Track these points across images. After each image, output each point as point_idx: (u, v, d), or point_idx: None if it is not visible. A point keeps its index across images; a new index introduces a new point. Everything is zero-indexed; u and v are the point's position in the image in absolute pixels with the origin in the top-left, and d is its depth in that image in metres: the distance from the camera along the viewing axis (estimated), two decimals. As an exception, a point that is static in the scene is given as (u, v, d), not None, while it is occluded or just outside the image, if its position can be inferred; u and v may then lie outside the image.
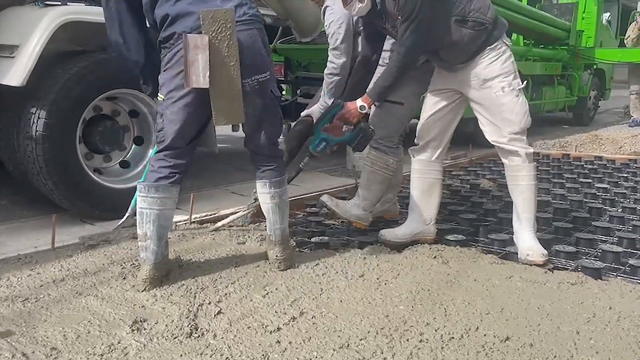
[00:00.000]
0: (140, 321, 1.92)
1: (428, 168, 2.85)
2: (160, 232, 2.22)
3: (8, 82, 3.08)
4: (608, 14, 10.44)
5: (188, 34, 2.03)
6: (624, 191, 4.10)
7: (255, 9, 2.25)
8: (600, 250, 2.77)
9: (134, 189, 3.55)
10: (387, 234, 2.87)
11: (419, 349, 1.80)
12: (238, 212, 3.10)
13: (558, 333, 1.92)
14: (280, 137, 2.48)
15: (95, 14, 3.36)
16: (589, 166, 5.13)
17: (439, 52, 2.66)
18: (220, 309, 2.04)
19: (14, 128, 3.26)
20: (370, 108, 2.70)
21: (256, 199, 3.03)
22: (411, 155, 2.91)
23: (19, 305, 2.03)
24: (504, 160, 2.73)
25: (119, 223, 2.98)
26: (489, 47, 2.60)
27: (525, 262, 2.59)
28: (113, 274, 2.32)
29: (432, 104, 2.81)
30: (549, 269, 2.52)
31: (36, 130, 3.13)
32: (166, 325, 1.89)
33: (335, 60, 3.44)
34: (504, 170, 2.81)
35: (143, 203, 2.20)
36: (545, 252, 2.64)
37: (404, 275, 2.36)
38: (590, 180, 4.46)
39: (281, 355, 1.76)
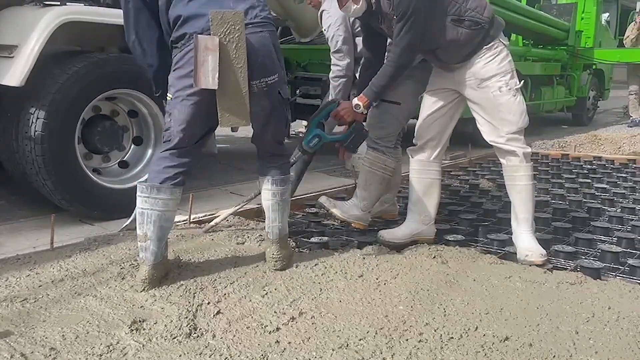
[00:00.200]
0: (139, 321, 1.91)
1: (426, 168, 2.85)
2: (160, 233, 2.22)
3: (7, 83, 3.07)
4: (607, 14, 10.44)
5: (199, 35, 2.04)
6: (623, 191, 4.10)
7: (268, 11, 2.27)
8: (600, 250, 2.77)
9: (133, 189, 3.59)
10: (386, 234, 2.87)
11: (418, 349, 1.80)
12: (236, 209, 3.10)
13: (557, 333, 1.92)
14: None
15: (94, 14, 3.38)
16: (588, 166, 5.13)
17: (435, 52, 2.66)
18: (219, 309, 2.04)
19: (13, 128, 3.26)
20: (365, 108, 2.70)
21: (255, 195, 3.04)
22: (409, 156, 2.91)
23: (17, 305, 2.02)
24: (501, 160, 2.73)
25: (125, 224, 2.97)
26: (485, 47, 2.60)
27: (524, 263, 2.59)
28: (112, 274, 2.31)
29: (430, 104, 2.81)
30: (548, 269, 2.52)
31: (35, 131, 3.13)
32: (165, 326, 1.89)
33: (339, 63, 3.45)
34: (502, 171, 2.81)
35: (144, 203, 2.19)
36: (544, 252, 2.64)
37: (403, 275, 2.36)
38: (589, 181, 4.46)
39: (280, 355, 1.76)
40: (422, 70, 2.86)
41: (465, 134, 5.10)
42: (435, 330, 1.91)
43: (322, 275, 2.36)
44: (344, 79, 3.41)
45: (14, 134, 3.26)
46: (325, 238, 2.93)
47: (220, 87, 2.07)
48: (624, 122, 9.73)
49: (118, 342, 1.80)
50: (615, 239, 3.00)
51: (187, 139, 2.21)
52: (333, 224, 3.22)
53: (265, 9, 2.25)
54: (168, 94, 2.22)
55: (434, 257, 2.57)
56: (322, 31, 3.61)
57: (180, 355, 1.74)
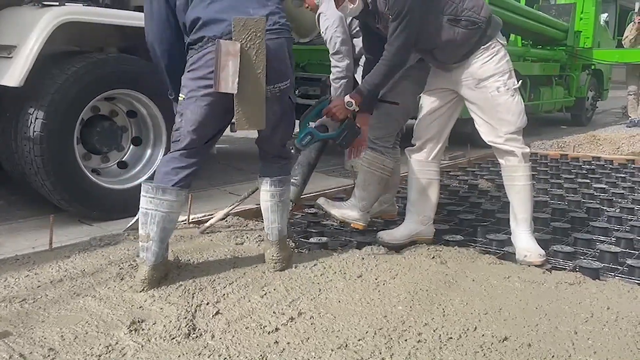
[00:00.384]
0: (138, 322, 1.91)
1: (425, 168, 2.85)
2: (163, 234, 2.22)
3: (6, 83, 3.07)
4: (606, 14, 10.45)
5: (221, 40, 2.07)
6: (622, 191, 4.11)
7: (285, 18, 2.30)
8: (598, 251, 2.77)
9: (132, 189, 3.60)
10: (385, 235, 2.86)
11: (417, 349, 1.80)
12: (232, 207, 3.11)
13: (556, 333, 1.92)
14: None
15: (93, 14, 3.37)
16: (587, 166, 5.14)
17: (432, 52, 2.66)
18: (218, 310, 2.04)
19: (11, 128, 3.25)
20: (357, 105, 2.69)
21: (249, 194, 3.05)
22: (408, 156, 2.90)
23: (16, 305, 2.02)
24: (500, 160, 2.74)
25: (130, 224, 2.97)
26: (483, 47, 2.59)
27: (523, 263, 2.60)
28: (111, 275, 2.31)
29: (428, 104, 2.81)
30: (547, 269, 2.52)
31: (34, 131, 3.12)
32: (164, 326, 1.89)
33: (339, 64, 3.45)
34: (501, 171, 2.81)
35: (149, 204, 2.19)
36: (543, 252, 2.65)
37: (402, 275, 2.36)
38: (588, 181, 4.46)
39: (279, 355, 1.76)
40: (420, 70, 2.86)
41: (464, 134, 5.10)
42: (434, 331, 1.91)
43: (321, 275, 2.36)
44: (345, 80, 3.42)
45: (13, 134, 3.25)
46: (324, 238, 2.93)
47: (240, 92, 2.11)
48: (622, 122, 9.73)
49: (117, 343, 1.79)
50: (614, 239, 3.00)
51: (198, 139, 2.23)
52: (332, 225, 3.22)
53: (284, 16, 2.29)
54: (180, 95, 2.23)
55: (433, 257, 2.57)
56: (320, 33, 3.61)
57: (179, 356, 1.74)
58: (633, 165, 5.22)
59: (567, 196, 3.96)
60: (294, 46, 6.18)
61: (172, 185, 2.20)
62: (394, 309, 2.06)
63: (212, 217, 3.09)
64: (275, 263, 2.42)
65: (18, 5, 3.32)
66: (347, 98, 2.68)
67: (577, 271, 2.51)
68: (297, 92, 5.96)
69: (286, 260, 2.45)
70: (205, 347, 1.79)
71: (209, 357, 1.74)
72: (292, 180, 2.95)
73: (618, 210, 3.61)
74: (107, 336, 1.83)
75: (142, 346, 1.79)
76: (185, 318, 1.94)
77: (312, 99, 5.65)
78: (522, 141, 2.68)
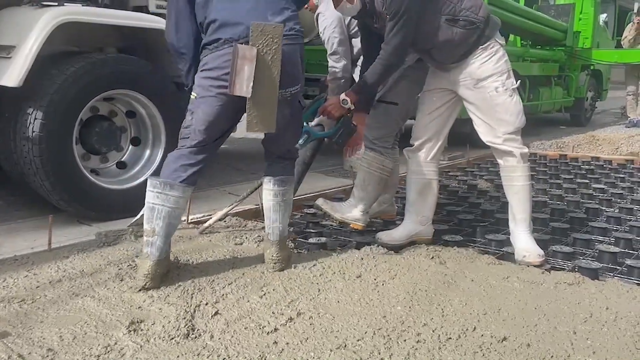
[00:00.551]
0: (137, 322, 1.91)
1: (424, 169, 2.85)
2: (168, 230, 2.25)
3: (5, 83, 3.07)
4: (605, 15, 10.46)
5: (239, 44, 2.10)
6: (621, 192, 4.11)
7: (300, 24, 2.34)
8: (597, 251, 2.77)
9: (131, 189, 3.60)
10: (384, 236, 2.86)
11: (416, 349, 1.80)
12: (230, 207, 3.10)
13: (555, 333, 1.92)
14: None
15: (92, 14, 3.37)
16: (586, 167, 5.14)
17: (430, 52, 2.66)
18: (217, 310, 2.04)
19: (10, 129, 3.25)
20: (352, 103, 2.70)
21: (248, 194, 3.04)
22: (407, 156, 2.90)
23: (15, 306, 2.02)
24: (499, 160, 2.74)
25: (133, 220, 2.97)
26: (481, 47, 2.59)
27: (522, 263, 2.60)
28: (110, 275, 2.31)
29: (427, 104, 2.81)
30: (546, 270, 2.52)
31: (33, 131, 3.12)
32: (163, 326, 1.89)
33: (336, 65, 3.45)
34: (500, 171, 2.81)
35: (156, 199, 2.22)
36: (542, 252, 2.65)
37: (401, 275, 2.36)
38: (587, 181, 4.47)
39: (278, 356, 1.76)
40: (419, 70, 2.86)
41: (463, 135, 5.10)
42: (433, 331, 1.91)
43: (320, 275, 2.36)
44: (341, 81, 3.42)
45: (11, 134, 3.25)
46: (324, 239, 2.93)
47: (252, 95, 2.14)
48: (621, 122, 9.74)
49: (116, 343, 1.79)
50: (613, 239, 3.00)
51: (207, 138, 2.28)
52: (331, 225, 3.22)
53: (299, 22, 2.33)
54: (193, 93, 2.27)
55: (432, 257, 2.57)
56: (319, 33, 3.62)
57: (178, 356, 1.74)
58: (632, 166, 5.23)
59: (566, 196, 3.96)
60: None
61: (180, 182, 2.24)
62: (393, 309, 2.06)
63: (211, 218, 3.09)
64: (275, 263, 2.42)
65: (17, 6, 3.32)
66: (343, 96, 2.69)
67: (576, 271, 2.51)
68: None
69: (286, 260, 2.45)
70: (204, 348, 1.79)
71: (208, 358, 1.74)
72: None
73: (617, 211, 3.61)
74: (106, 336, 1.83)
75: (141, 346, 1.78)
76: (184, 318, 1.94)
77: (311, 99, 5.65)
78: (521, 141, 2.68)
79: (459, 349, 1.81)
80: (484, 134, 2.69)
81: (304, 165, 3.28)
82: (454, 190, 4.10)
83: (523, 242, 2.68)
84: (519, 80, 2.75)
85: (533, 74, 8.25)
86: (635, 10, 9.34)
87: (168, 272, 2.29)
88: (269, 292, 2.19)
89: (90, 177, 3.45)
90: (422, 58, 2.81)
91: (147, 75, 3.59)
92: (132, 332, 1.85)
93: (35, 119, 3.13)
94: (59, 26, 3.14)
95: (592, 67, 9.99)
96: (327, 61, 3.57)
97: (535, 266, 2.55)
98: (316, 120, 2.94)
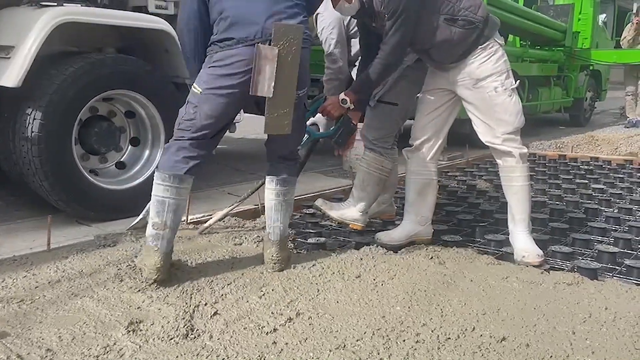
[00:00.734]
0: (136, 322, 1.91)
1: (423, 169, 2.85)
2: (177, 222, 2.30)
3: (4, 83, 3.07)
4: (604, 15, 10.47)
5: (260, 45, 2.13)
6: (620, 192, 4.12)
7: (309, 29, 2.37)
8: (596, 251, 2.78)
9: (131, 190, 3.60)
10: (383, 236, 2.86)
11: (416, 349, 1.80)
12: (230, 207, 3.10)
13: (554, 333, 1.92)
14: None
15: (91, 14, 3.37)
16: (585, 167, 5.14)
17: (429, 52, 2.66)
18: (217, 310, 2.03)
19: (9, 129, 3.25)
20: (352, 103, 2.70)
21: (249, 195, 3.04)
22: (405, 157, 2.90)
23: (14, 306, 2.02)
24: (498, 160, 2.74)
25: (133, 223, 2.97)
26: (480, 47, 2.59)
27: (521, 263, 2.60)
28: (109, 276, 2.31)
29: (426, 105, 2.81)
30: (545, 270, 2.52)
31: (32, 131, 3.12)
32: (162, 327, 1.89)
33: (331, 66, 3.46)
34: (499, 171, 2.81)
35: (165, 192, 2.24)
36: (541, 252, 2.65)
37: (400, 276, 2.36)
38: (586, 181, 4.47)
39: (277, 356, 1.76)
40: (418, 70, 2.86)
41: (462, 135, 5.10)
42: (432, 331, 1.91)
43: (319, 276, 2.36)
44: (336, 82, 3.43)
45: (11, 134, 3.25)
46: (323, 239, 2.93)
47: (272, 97, 2.17)
48: (620, 122, 9.75)
49: (115, 344, 1.79)
50: (612, 239, 3.00)
51: (209, 132, 2.31)
52: (330, 225, 3.22)
53: (308, 27, 2.35)
54: (196, 87, 2.27)
55: (431, 257, 2.57)
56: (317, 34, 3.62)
57: (177, 357, 1.74)
58: (631, 166, 5.23)
59: (565, 197, 3.96)
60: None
61: (185, 173, 2.26)
62: (392, 310, 2.06)
63: (210, 218, 3.09)
64: (275, 263, 2.42)
65: (16, 6, 3.32)
66: (342, 96, 2.69)
67: (575, 271, 2.51)
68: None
69: (285, 260, 2.45)
70: (203, 348, 1.79)
71: (207, 358, 1.74)
72: None
73: (616, 211, 3.61)
74: (105, 337, 1.83)
75: (140, 347, 1.78)
76: (184, 319, 1.94)
77: (311, 99, 5.65)
78: (520, 141, 2.68)
79: (458, 349, 1.81)
80: (483, 134, 2.69)
81: (299, 165, 3.27)
82: (453, 191, 4.10)
83: (522, 242, 2.68)
84: (518, 80, 2.75)
85: (532, 74, 8.25)
86: (634, 11, 9.35)
87: (172, 265, 2.31)
88: (268, 293, 2.19)
89: (90, 177, 3.45)
90: (421, 58, 2.81)
91: (146, 75, 3.58)
92: (131, 333, 1.85)
93: (35, 119, 3.13)
94: (58, 26, 3.14)
95: (591, 68, 10.00)
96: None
97: (534, 266, 2.55)
98: (311, 120, 2.94)
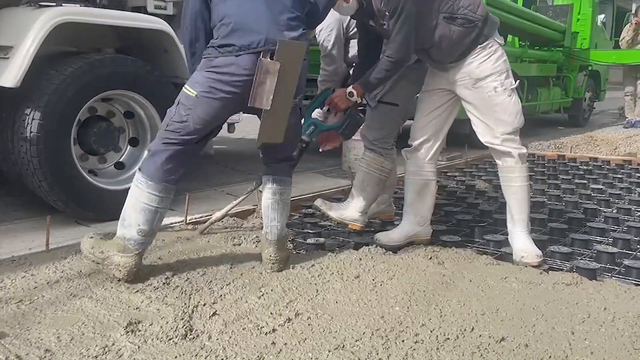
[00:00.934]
0: (135, 323, 1.91)
1: (422, 169, 2.85)
2: (160, 227, 2.35)
3: (2, 84, 3.06)
4: (603, 15, 10.47)
5: (263, 59, 2.15)
6: (619, 192, 4.12)
7: (308, 41, 2.39)
8: (595, 251, 2.78)
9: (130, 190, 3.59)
10: (382, 237, 2.86)
11: (415, 349, 1.80)
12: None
13: (553, 333, 1.92)
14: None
15: (90, 15, 3.37)
16: (584, 167, 5.14)
17: (429, 51, 2.66)
18: (215, 311, 2.03)
19: (8, 129, 3.25)
20: (359, 97, 2.68)
21: (250, 192, 3.04)
22: (405, 157, 2.90)
23: (12, 307, 2.02)
24: (497, 161, 2.74)
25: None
26: (480, 46, 2.59)
27: (520, 263, 2.60)
28: (107, 276, 2.30)
29: (425, 105, 2.81)
30: (544, 270, 2.52)
31: (30, 132, 3.12)
32: (161, 327, 1.89)
33: (327, 67, 3.46)
34: (498, 172, 2.81)
35: (161, 203, 2.26)
36: (540, 253, 2.65)
37: (399, 276, 2.36)
38: (585, 181, 4.47)
39: (276, 356, 1.75)
40: (417, 70, 2.86)
41: (461, 135, 5.10)
42: (431, 331, 1.91)
43: (318, 276, 2.36)
44: (331, 84, 3.43)
45: (9, 135, 3.24)
46: (322, 239, 2.93)
47: (269, 108, 2.20)
48: (619, 123, 9.76)
49: (113, 344, 1.79)
50: (611, 239, 3.00)
51: (199, 136, 2.31)
52: (329, 225, 3.22)
53: (307, 39, 2.37)
54: (190, 90, 2.25)
55: (430, 258, 2.57)
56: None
57: (175, 357, 1.74)
58: (630, 166, 5.24)
59: (565, 197, 3.96)
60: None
61: (173, 184, 2.29)
62: (391, 310, 2.06)
63: (209, 218, 3.09)
64: (273, 264, 2.42)
65: (15, 6, 3.31)
66: (350, 89, 2.67)
67: (574, 272, 2.51)
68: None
69: (284, 260, 2.45)
70: (202, 348, 1.79)
71: (205, 358, 1.73)
72: None
73: (615, 211, 3.61)
74: (104, 337, 1.83)
75: (138, 347, 1.78)
76: (182, 319, 1.94)
77: (311, 99, 5.65)
78: (519, 142, 2.67)
79: (457, 349, 1.81)
80: (483, 134, 2.69)
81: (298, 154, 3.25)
82: (452, 191, 4.10)
83: (521, 242, 2.68)
84: (518, 80, 2.75)
85: (531, 75, 8.26)
86: (633, 11, 9.34)
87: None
88: (267, 293, 2.19)
89: (88, 177, 3.45)
90: (421, 58, 2.81)
91: (145, 75, 3.58)
92: (129, 333, 1.85)
93: (33, 119, 3.12)
94: (57, 26, 3.14)
95: (590, 68, 10.01)
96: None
97: (533, 266, 2.55)
98: (314, 112, 2.94)
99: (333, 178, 4.98)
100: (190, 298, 2.12)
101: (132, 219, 2.24)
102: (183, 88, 2.30)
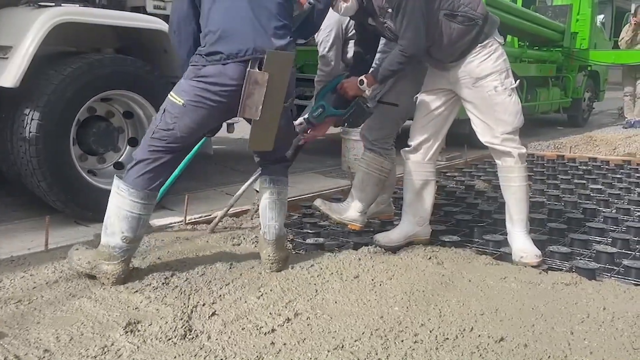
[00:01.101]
0: (134, 323, 1.91)
1: (421, 169, 2.85)
2: (144, 232, 2.38)
3: (2, 84, 3.06)
4: (602, 15, 10.47)
5: (252, 70, 2.15)
6: (618, 192, 4.12)
7: (295, 48, 2.38)
8: (595, 251, 2.78)
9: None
10: (382, 238, 2.85)
11: (414, 349, 1.80)
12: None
13: (552, 333, 1.92)
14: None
15: (89, 15, 3.37)
16: (584, 167, 5.15)
17: (430, 50, 2.65)
18: (215, 311, 2.03)
19: (7, 129, 3.25)
20: (369, 86, 2.67)
21: (252, 182, 3.05)
22: (404, 157, 2.90)
23: (11, 307, 2.01)
24: (497, 161, 2.74)
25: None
26: (480, 45, 2.59)
27: (519, 263, 2.60)
28: (107, 276, 2.30)
29: (425, 105, 2.80)
30: (543, 270, 2.52)
31: (30, 132, 3.12)
32: (160, 327, 1.88)
33: (323, 68, 3.47)
34: (497, 172, 2.81)
35: (143, 210, 2.25)
36: (539, 253, 2.65)
37: (398, 276, 2.36)
38: (584, 182, 4.47)
39: (275, 356, 1.75)
40: (417, 70, 2.86)
41: (461, 135, 5.11)
42: (430, 331, 1.91)
43: (317, 276, 2.36)
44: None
45: (8, 135, 3.24)
46: (321, 239, 2.93)
47: (259, 117, 2.22)
48: (619, 123, 9.75)
49: (112, 344, 1.79)
50: (610, 239, 3.00)
51: (184, 144, 2.31)
52: (329, 226, 3.22)
53: (294, 46, 2.37)
54: (177, 98, 2.23)
55: (430, 258, 2.57)
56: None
57: (175, 357, 1.73)
58: (629, 166, 5.24)
59: (564, 197, 3.96)
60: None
61: (156, 191, 2.29)
62: (391, 310, 2.06)
63: (210, 218, 3.09)
64: (272, 263, 2.42)
65: (14, 6, 3.31)
66: (361, 77, 2.66)
67: (573, 272, 2.51)
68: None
69: (283, 260, 2.45)
70: (201, 348, 1.78)
71: (205, 358, 1.73)
72: None
73: (614, 211, 3.61)
74: (103, 337, 1.82)
75: (137, 347, 1.78)
76: (182, 319, 1.94)
77: (309, 99, 5.65)
78: (519, 142, 2.67)
79: (456, 349, 1.81)
80: (482, 134, 2.69)
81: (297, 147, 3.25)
82: (452, 191, 4.10)
83: (520, 242, 2.68)
84: (518, 80, 2.75)
85: (531, 75, 8.26)
86: (632, 11, 9.34)
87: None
88: (266, 293, 2.19)
89: (87, 177, 3.45)
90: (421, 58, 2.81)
91: (144, 75, 3.58)
92: (129, 333, 1.85)
93: (32, 119, 3.12)
94: (56, 26, 3.14)
95: (589, 68, 10.01)
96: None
97: (532, 267, 2.55)
98: (300, 119, 2.94)
99: (332, 178, 4.98)
100: (189, 298, 2.12)
101: (115, 226, 2.24)
102: (169, 95, 2.27)
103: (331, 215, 3.02)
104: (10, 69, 3.05)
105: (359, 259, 2.53)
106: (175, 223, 3.08)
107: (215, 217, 3.07)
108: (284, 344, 1.82)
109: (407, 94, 2.94)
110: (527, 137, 6.86)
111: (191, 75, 2.23)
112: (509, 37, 8.41)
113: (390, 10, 2.49)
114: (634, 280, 2.49)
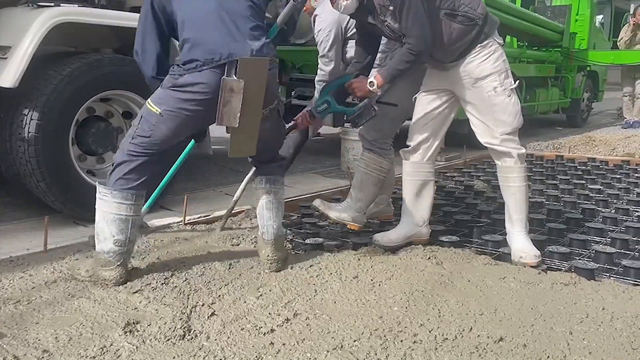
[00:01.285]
0: (133, 323, 1.91)
1: (420, 169, 2.85)
2: (137, 233, 2.36)
3: (0, 84, 3.06)
4: (601, 16, 10.48)
5: (226, 78, 2.14)
6: (617, 192, 4.12)
7: (272, 48, 2.35)
8: (594, 251, 2.78)
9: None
10: (381, 238, 2.85)
11: (413, 349, 1.80)
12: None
13: (551, 333, 1.92)
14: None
15: (89, 15, 3.36)
16: (583, 167, 5.15)
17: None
18: (214, 311, 2.03)
19: (6, 130, 3.24)
20: (378, 87, 2.66)
21: (249, 180, 3.05)
22: (403, 157, 2.90)
23: (10, 307, 2.01)
24: (496, 161, 2.74)
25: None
26: (479, 45, 2.59)
27: (518, 264, 2.60)
28: (106, 276, 2.30)
29: (424, 105, 2.80)
30: (542, 270, 2.52)
31: (29, 132, 3.11)
32: (159, 327, 1.88)
33: (324, 67, 3.47)
34: (497, 172, 2.81)
35: (129, 211, 2.24)
36: (538, 253, 2.65)
37: (397, 276, 2.36)
38: (583, 182, 4.48)
39: (275, 357, 1.75)
40: (416, 70, 2.85)
41: (460, 136, 5.11)
42: (429, 331, 1.91)
43: (317, 276, 2.36)
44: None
45: (7, 135, 3.24)
46: (320, 239, 2.93)
47: (238, 124, 2.20)
48: (618, 123, 9.76)
49: (112, 344, 1.79)
50: (609, 239, 3.00)
51: (164, 148, 2.31)
52: (328, 226, 3.22)
53: (271, 45, 2.35)
54: (154, 106, 2.23)
55: (429, 258, 2.57)
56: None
57: (174, 357, 1.73)
58: (628, 166, 5.24)
59: (563, 197, 3.96)
60: (290, 47, 6.19)
61: (141, 190, 2.29)
62: (390, 310, 2.06)
63: (209, 219, 3.09)
64: (271, 263, 2.42)
65: (13, 6, 3.31)
66: (371, 78, 2.63)
67: (572, 272, 2.51)
68: (293, 93, 5.97)
69: (282, 260, 2.45)
70: (200, 349, 1.78)
71: (204, 359, 1.73)
72: None
73: (613, 211, 3.62)
74: (102, 337, 1.82)
75: (136, 347, 1.78)
76: (181, 319, 1.94)
77: (308, 99, 5.66)
78: (518, 142, 2.67)
79: (455, 349, 1.81)
80: (482, 135, 2.69)
81: (287, 162, 3.25)
82: (451, 191, 4.10)
83: (519, 242, 2.68)
84: (518, 81, 2.75)
85: (530, 75, 8.27)
86: (631, 12, 9.35)
87: None
88: (265, 293, 2.19)
89: (86, 178, 3.44)
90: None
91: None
92: (128, 333, 1.85)
93: (31, 119, 3.12)
94: (55, 27, 3.13)
95: (588, 68, 10.02)
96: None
97: (531, 267, 2.55)
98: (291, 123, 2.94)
99: (332, 178, 4.98)
100: (188, 298, 2.12)
101: (105, 232, 2.24)
102: (146, 102, 2.28)
103: (330, 216, 3.02)
104: (9, 69, 3.05)
105: (359, 259, 2.54)
106: (174, 223, 3.08)
107: (215, 217, 3.06)
108: (283, 344, 1.82)
109: (406, 94, 2.94)
110: (526, 138, 6.87)
111: (168, 84, 2.22)
112: (508, 38, 8.42)
113: (391, 8, 2.49)
114: (633, 281, 2.49)
